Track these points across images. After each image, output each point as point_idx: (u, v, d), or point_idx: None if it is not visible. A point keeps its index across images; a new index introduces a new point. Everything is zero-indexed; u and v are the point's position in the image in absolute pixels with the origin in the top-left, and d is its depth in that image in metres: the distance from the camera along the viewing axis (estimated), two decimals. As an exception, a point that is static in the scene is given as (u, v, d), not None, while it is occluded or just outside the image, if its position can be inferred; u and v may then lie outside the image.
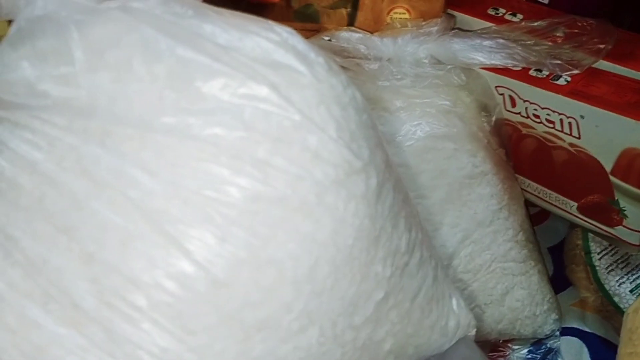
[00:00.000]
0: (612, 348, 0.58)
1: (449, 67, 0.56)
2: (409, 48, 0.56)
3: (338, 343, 0.34)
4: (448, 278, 0.42)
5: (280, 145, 0.32)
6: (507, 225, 0.58)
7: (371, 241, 0.34)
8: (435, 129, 0.56)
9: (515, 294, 0.58)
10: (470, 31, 0.57)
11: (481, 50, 0.55)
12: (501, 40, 0.54)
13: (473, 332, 0.41)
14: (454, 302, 0.41)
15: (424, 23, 0.57)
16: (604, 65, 0.52)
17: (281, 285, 0.32)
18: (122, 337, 0.31)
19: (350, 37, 0.57)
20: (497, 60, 0.54)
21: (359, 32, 0.57)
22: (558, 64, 0.52)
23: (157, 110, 0.32)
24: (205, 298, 0.31)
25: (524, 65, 0.54)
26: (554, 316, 0.60)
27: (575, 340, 0.61)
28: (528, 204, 0.61)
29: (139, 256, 0.31)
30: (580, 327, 0.62)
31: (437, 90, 0.57)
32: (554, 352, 0.60)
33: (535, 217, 0.65)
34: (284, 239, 0.32)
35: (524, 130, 0.57)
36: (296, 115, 0.32)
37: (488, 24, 0.58)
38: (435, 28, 0.56)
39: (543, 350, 0.61)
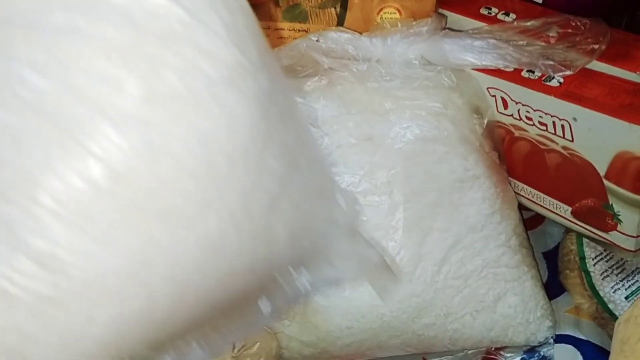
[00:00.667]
0: (607, 356, 0.57)
1: (439, 68, 0.56)
2: (399, 48, 0.55)
3: (237, 231, 0.36)
4: (332, 177, 0.47)
5: (171, 44, 0.33)
6: (500, 229, 0.57)
7: (264, 138, 0.36)
8: (426, 132, 0.56)
9: (508, 300, 0.57)
10: (461, 31, 0.56)
11: (472, 50, 0.54)
12: (492, 41, 0.53)
13: (359, 225, 0.45)
14: (340, 197, 0.43)
15: (414, 23, 0.56)
16: (598, 65, 0.51)
17: (180, 177, 0.33)
18: (25, 231, 0.31)
19: (338, 38, 0.56)
20: (489, 61, 0.53)
21: (347, 32, 0.57)
22: (551, 64, 0.51)
23: (44, 10, 0.32)
24: (106, 191, 0.32)
25: (516, 66, 0.53)
26: (547, 323, 0.59)
27: (569, 347, 0.61)
28: (522, 208, 0.60)
29: (34, 152, 0.31)
30: (575, 335, 0.61)
31: (428, 92, 0.56)
32: (547, 360, 0.60)
33: (530, 221, 0.64)
34: (181, 133, 0.33)
35: (517, 133, 0.56)
36: (186, 17, 0.33)
37: (480, 24, 0.57)
38: (426, 28, 0.55)
39: (536, 358, 0.60)
